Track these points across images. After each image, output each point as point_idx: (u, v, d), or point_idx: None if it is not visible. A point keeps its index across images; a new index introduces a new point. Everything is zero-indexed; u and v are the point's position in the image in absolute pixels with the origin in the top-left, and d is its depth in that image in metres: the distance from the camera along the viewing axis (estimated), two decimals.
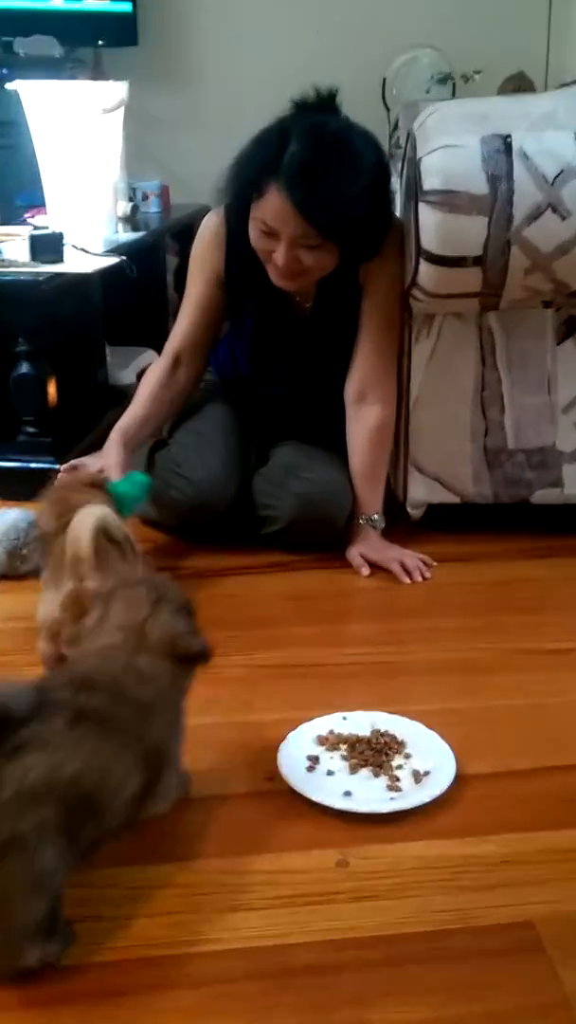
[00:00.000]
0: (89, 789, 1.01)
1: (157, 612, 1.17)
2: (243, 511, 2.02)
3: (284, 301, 2.03)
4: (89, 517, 1.48)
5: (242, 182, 1.83)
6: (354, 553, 1.97)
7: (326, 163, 1.75)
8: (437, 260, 1.77)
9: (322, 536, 1.98)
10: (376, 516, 2.00)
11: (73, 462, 2.26)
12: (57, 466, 2.28)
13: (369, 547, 1.97)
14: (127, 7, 3.82)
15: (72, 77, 3.59)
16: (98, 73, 3.87)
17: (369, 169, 1.79)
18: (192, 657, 1.16)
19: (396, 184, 1.99)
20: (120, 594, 1.21)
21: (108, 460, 1.96)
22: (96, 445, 2.43)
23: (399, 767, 1.34)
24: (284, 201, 1.74)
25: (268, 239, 1.82)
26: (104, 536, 1.49)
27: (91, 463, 2.28)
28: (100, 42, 3.87)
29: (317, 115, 1.80)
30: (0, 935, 0.99)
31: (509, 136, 1.74)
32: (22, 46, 3.73)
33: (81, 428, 2.51)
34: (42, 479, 2.26)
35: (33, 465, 2.34)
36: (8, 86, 2.78)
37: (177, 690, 1.18)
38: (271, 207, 1.77)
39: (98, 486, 1.70)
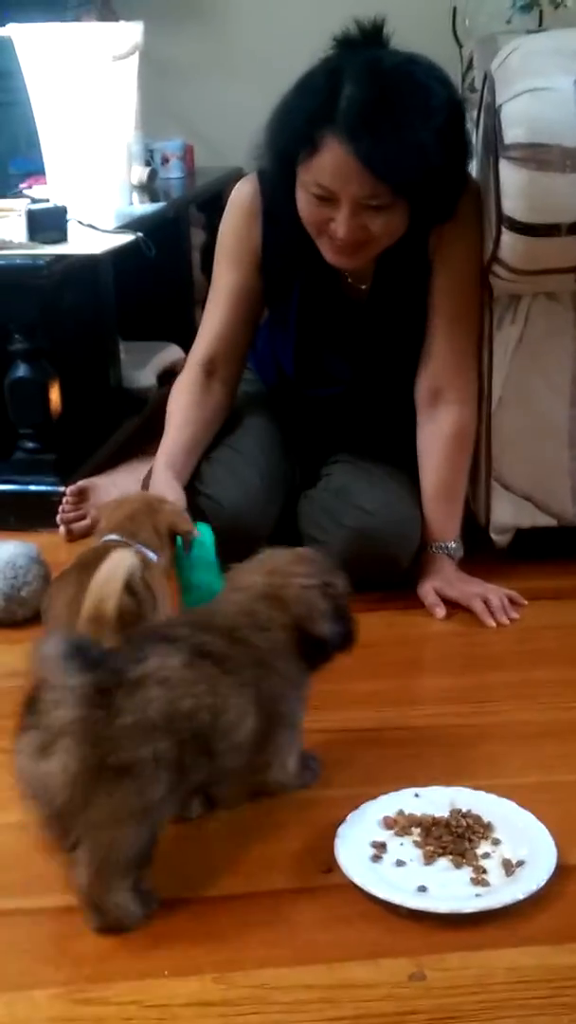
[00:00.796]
0: (202, 725, 1.23)
1: (309, 585, 1.39)
2: (287, 541, 2.01)
3: (336, 283, 2.03)
4: (119, 570, 1.47)
5: (287, 137, 1.82)
6: (427, 589, 1.95)
7: (391, 105, 1.74)
8: (524, 229, 1.78)
9: (382, 577, 1.95)
10: (454, 544, 1.99)
11: (81, 483, 2.29)
12: (61, 488, 2.30)
13: (445, 581, 1.96)
14: None
15: (76, 19, 3.65)
16: (107, 13, 3.92)
17: (441, 108, 1.79)
18: (320, 644, 1.39)
19: (472, 136, 1.99)
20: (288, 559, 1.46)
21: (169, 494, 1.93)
22: (110, 462, 2.45)
23: (485, 856, 1.33)
24: (346, 154, 1.73)
25: (323, 206, 1.81)
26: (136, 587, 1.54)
27: (102, 484, 2.30)
28: None
29: (367, 51, 1.80)
30: (97, 862, 1.19)
31: None
32: None
33: (91, 442, 2.53)
34: (44, 505, 2.29)
35: (33, 488, 2.36)
36: (0, 31, 2.82)
37: (296, 666, 1.38)
38: (329, 164, 1.76)
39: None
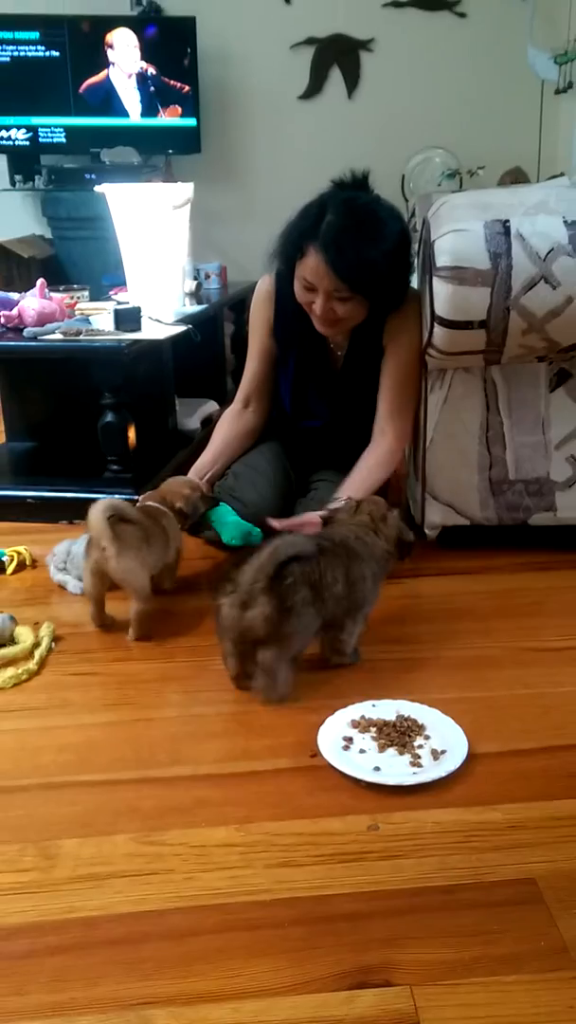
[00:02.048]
0: (319, 582, 1.44)
1: (391, 515, 1.64)
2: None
3: (323, 351, 2.05)
4: (99, 505, 1.64)
5: (288, 245, 1.87)
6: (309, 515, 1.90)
7: (355, 230, 1.78)
8: (448, 324, 1.77)
9: None
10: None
11: (149, 494, 2.29)
12: (136, 497, 2.30)
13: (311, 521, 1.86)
14: (192, 123, 3.88)
15: (148, 180, 3.66)
16: (169, 176, 3.94)
17: (392, 236, 1.82)
18: (407, 544, 1.64)
19: (415, 259, 2.00)
20: (368, 504, 1.67)
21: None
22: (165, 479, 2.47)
23: (420, 747, 1.33)
24: (320, 261, 1.78)
25: (309, 293, 1.86)
26: (117, 517, 1.64)
27: (153, 496, 2.31)
28: (170, 151, 3.94)
29: (351, 191, 1.84)
30: (279, 664, 1.42)
31: (508, 221, 1.74)
32: (107, 155, 3.81)
33: (155, 466, 2.53)
34: None
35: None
36: (96, 188, 2.83)
37: (381, 566, 1.59)
38: (310, 266, 1.81)
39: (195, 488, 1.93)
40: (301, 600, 1.41)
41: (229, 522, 1.97)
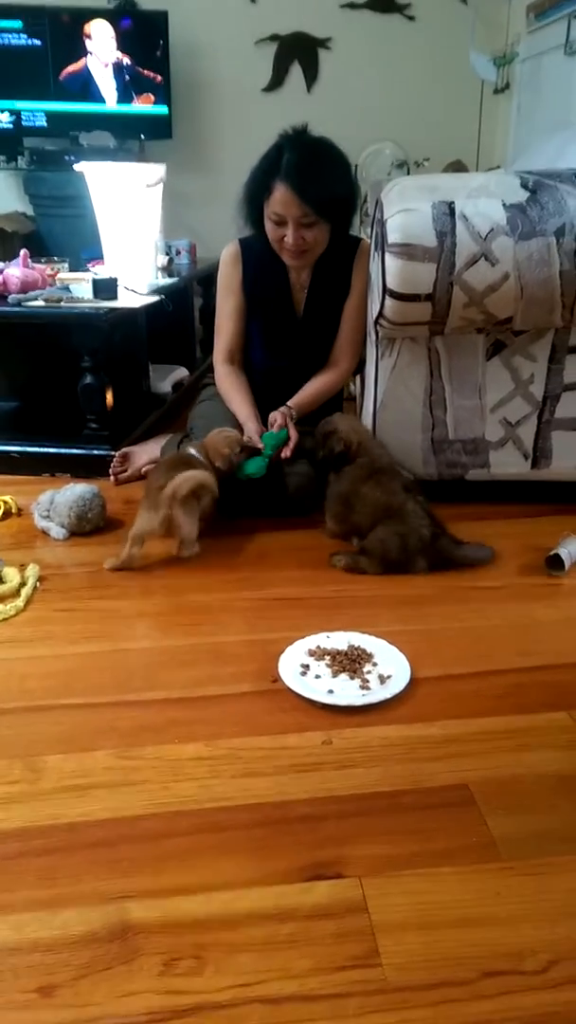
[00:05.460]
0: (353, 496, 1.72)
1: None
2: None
3: (287, 300, 2.05)
4: (194, 477, 1.69)
5: (255, 187, 1.88)
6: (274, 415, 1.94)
7: (312, 160, 1.82)
8: (398, 296, 1.75)
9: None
10: (293, 407, 1.98)
11: (124, 450, 2.25)
12: (112, 452, 2.26)
13: (280, 415, 1.94)
14: (164, 110, 3.75)
15: (123, 160, 3.53)
16: (142, 159, 3.81)
17: (341, 162, 1.89)
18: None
19: (368, 239, 1.96)
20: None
21: (250, 428, 1.93)
22: (141, 437, 2.42)
23: (368, 672, 1.34)
24: (286, 191, 1.80)
25: (279, 227, 1.87)
26: (198, 491, 1.69)
27: (137, 451, 2.27)
28: (143, 136, 3.81)
29: (298, 134, 1.88)
30: (403, 555, 1.65)
31: (453, 202, 1.71)
32: (85, 139, 3.68)
33: (130, 425, 2.49)
34: (101, 463, 2.25)
35: (95, 452, 2.31)
36: (76, 166, 2.73)
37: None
38: (278, 199, 1.83)
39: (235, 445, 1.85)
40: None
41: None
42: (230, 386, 2.05)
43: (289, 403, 1.99)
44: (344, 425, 1.85)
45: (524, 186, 1.74)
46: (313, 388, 2.04)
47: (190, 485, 1.68)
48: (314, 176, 1.81)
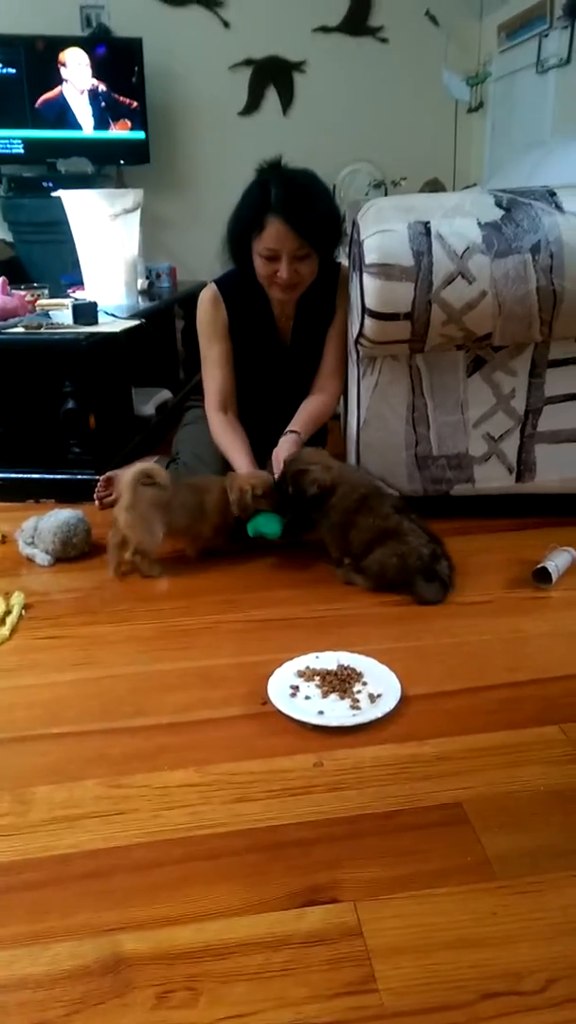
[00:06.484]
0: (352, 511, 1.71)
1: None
2: None
3: (273, 333, 2.06)
4: (140, 465, 1.75)
5: (243, 226, 1.87)
6: (275, 452, 1.92)
7: (301, 195, 1.83)
8: (377, 316, 1.77)
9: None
10: (293, 435, 1.97)
11: (108, 474, 2.25)
12: (97, 477, 2.26)
13: (282, 448, 1.92)
14: (141, 135, 3.79)
15: (101, 187, 3.56)
16: (120, 184, 3.84)
17: (325, 195, 1.91)
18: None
19: (345, 260, 1.98)
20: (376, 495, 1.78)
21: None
22: (124, 461, 2.41)
23: (359, 692, 1.34)
24: (280, 226, 1.81)
25: (271, 263, 1.87)
26: (145, 480, 1.72)
27: (122, 474, 2.26)
28: (121, 162, 3.84)
29: (278, 169, 1.88)
30: (402, 576, 1.64)
31: (429, 222, 1.74)
32: (63, 165, 3.71)
33: (114, 449, 2.48)
34: (86, 488, 2.25)
35: (79, 477, 2.32)
36: (54, 194, 2.75)
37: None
38: (272, 234, 1.83)
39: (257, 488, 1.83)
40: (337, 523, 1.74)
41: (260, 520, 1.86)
42: (228, 442, 1.99)
43: (293, 428, 1.97)
44: (314, 462, 1.79)
45: (498, 204, 1.77)
46: (308, 413, 2.02)
47: (133, 472, 1.71)
48: (306, 208, 1.82)
